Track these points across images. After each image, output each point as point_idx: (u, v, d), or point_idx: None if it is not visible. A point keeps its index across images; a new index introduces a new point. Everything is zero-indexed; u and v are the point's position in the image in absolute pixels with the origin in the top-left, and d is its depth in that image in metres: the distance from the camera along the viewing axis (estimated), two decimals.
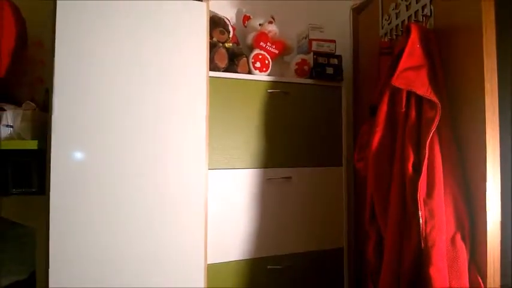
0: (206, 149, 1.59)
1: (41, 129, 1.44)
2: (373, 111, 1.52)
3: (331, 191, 1.93)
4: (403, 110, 1.32)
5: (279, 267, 1.79)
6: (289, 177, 1.83)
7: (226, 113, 1.73)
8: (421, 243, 1.18)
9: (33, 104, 1.47)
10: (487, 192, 1.18)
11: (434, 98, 1.23)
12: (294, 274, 1.83)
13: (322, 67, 1.89)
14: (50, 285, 1.35)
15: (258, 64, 1.79)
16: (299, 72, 1.89)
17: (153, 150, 1.50)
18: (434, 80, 1.28)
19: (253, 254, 1.75)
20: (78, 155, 1.39)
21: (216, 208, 1.69)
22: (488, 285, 1.15)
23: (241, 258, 1.73)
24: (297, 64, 1.89)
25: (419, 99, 1.29)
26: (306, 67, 1.89)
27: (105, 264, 1.42)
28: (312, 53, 1.90)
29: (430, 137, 1.22)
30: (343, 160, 1.96)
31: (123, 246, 1.45)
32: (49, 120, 1.35)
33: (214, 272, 1.67)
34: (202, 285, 1.58)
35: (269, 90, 1.80)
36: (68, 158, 1.37)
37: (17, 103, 1.51)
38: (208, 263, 1.63)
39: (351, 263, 1.98)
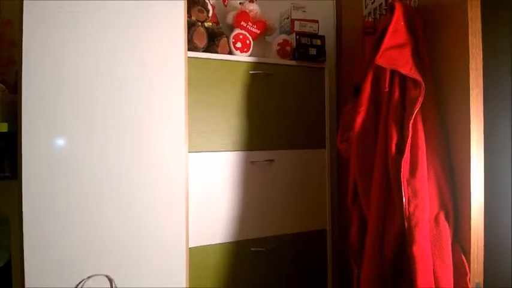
0: (186, 131, 1.55)
1: (12, 111, 1.37)
2: (357, 91, 1.49)
3: (314, 174, 1.91)
4: (387, 89, 1.31)
5: (262, 249, 1.77)
6: (272, 160, 1.81)
7: (206, 94, 1.68)
8: (404, 223, 1.17)
9: (2, 86, 1.41)
10: (471, 172, 1.18)
11: (418, 77, 1.21)
12: (278, 256, 1.82)
13: (305, 48, 1.86)
14: (25, 271, 1.30)
15: (238, 44, 1.74)
16: (281, 53, 1.85)
17: (132, 133, 1.45)
18: (418, 59, 1.26)
19: (236, 236, 1.74)
20: (51, 138, 1.34)
21: (197, 191, 1.66)
22: (471, 264, 1.15)
23: (224, 241, 1.71)
24: (279, 45, 1.85)
25: (403, 79, 1.28)
26: (288, 48, 1.85)
27: (82, 249, 1.38)
28: (294, 34, 1.86)
29: (413, 117, 1.20)
30: (327, 142, 1.94)
31: (101, 229, 1.41)
32: (19, 102, 1.28)
33: (196, 255, 1.65)
34: (184, 269, 1.56)
35: (251, 72, 1.76)
36: (40, 140, 1.31)
37: None
38: (190, 246, 1.61)
39: (335, 245, 1.98)
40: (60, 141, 1.35)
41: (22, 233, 1.29)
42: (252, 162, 1.76)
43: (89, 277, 1.39)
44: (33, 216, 1.31)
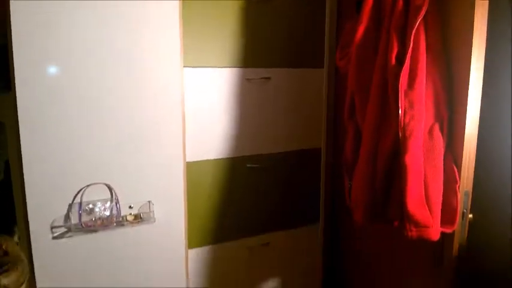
0: (181, 45, 1.52)
1: (2, 25, 1.32)
2: (359, 7, 1.44)
3: (311, 93, 1.90)
4: None
5: (257, 166, 1.81)
6: (269, 78, 1.78)
7: (203, 8, 1.61)
8: (398, 134, 1.19)
9: None
10: (469, 84, 1.17)
11: None
12: (273, 173, 1.87)
13: None
14: (25, 183, 1.34)
15: None
16: None
17: (126, 46, 1.42)
18: None
19: (233, 153, 1.76)
20: (46, 49, 1.31)
21: (194, 107, 1.65)
22: (462, 173, 1.19)
23: (220, 156, 1.74)
24: None
25: None
26: None
27: (81, 160, 1.41)
28: None
29: (416, 26, 1.17)
30: (325, 61, 1.91)
31: (99, 139, 1.43)
32: (8, 13, 1.24)
33: (194, 170, 1.68)
34: (182, 182, 1.60)
35: None
36: (32, 51, 1.29)
37: None
38: (188, 160, 1.64)
39: (328, 163, 2.02)
40: (55, 53, 1.32)
41: (19, 143, 1.31)
42: (248, 79, 1.74)
43: (88, 185, 1.43)
44: (29, 127, 1.31)
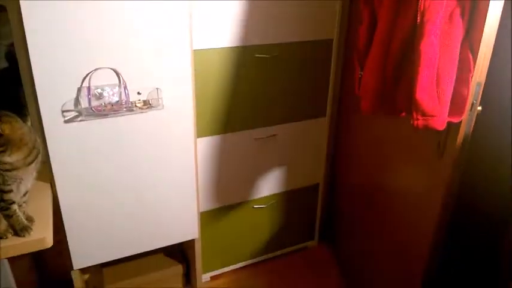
0: None
1: None
2: None
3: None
4: None
5: (266, 56, 1.77)
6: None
7: None
8: (416, 18, 1.12)
9: None
10: None
11: None
12: (282, 64, 1.83)
13: None
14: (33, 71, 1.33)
15: None
16: None
17: None
18: None
19: (242, 41, 1.71)
20: None
21: None
22: (477, 64, 1.14)
23: (229, 45, 1.69)
24: None
25: None
26: None
27: (86, 44, 1.38)
28: None
29: None
30: None
31: (106, 23, 1.38)
32: None
33: (201, 58, 1.65)
34: (189, 68, 1.58)
35: None
36: None
37: None
38: (195, 48, 1.59)
39: (340, 54, 1.97)
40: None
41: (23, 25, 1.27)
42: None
43: (95, 69, 1.42)
44: (33, 11, 1.26)
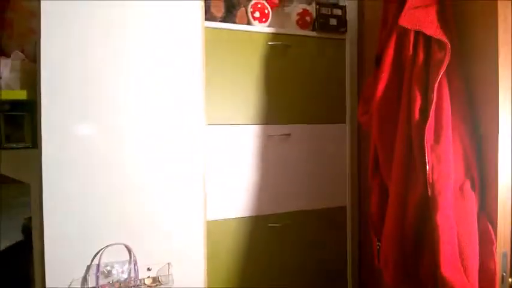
0: (203, 103, 1.53)
1: (31, 80, 1.38)
2: (379, 61, 1.44)
3: (333, 149, 1.87)
4: (411, 52, 1.24)
5: (279, 225, 1.75)
6: (288, 135, 1.77)
7: (224, 66, 1.66)
8: (427, 191, 1.12)
9: (22, 54, 1.42)
10: (498, 138, 1.11)
11: (443, 38, 1.15)
12: (295, 232, 1.80)
13: (325, 18, 1.80)
14: (44, 241, 1.32)
15: (257, 14, 1.70)
16: (301, 23, 1.80)
17: (149, 104, 1.45)
18: (443, 19, 1.20)
19: (254, 211, 1.72)
20: (70, 106, 1.34)
21: (215, 165, 1.64)
22: (498, 233, 1.10)
23: (241, 215, 1.70)
24: (298, 15, 1.80)
25: (428, 40, 1.21)
26: (307, 18, 1.80)
27: (102, 219, 1.39)
28: (314, 3, 1.81)
29: (438, 80, 1.14)
30: (347, 117, 1.89)
31: (120, 202, 1.41)
32: (38, 70, 1.29)
33: (214, 229, 1.64)
34: (202, 241, 1.55)
35: (269, 43, 1.72)
36: (59, 109, 1.32)
37: (6, 55, 1.45)
38: (208, 219, 1.60)
39: (354, 222, 1.94)
40: (78, 111, 1.35)
41: (41, 202, 1.31)
42: (270, 136, 1.73)
43: (107, 246, 1.40)
44: (52, 184, 1.32)
